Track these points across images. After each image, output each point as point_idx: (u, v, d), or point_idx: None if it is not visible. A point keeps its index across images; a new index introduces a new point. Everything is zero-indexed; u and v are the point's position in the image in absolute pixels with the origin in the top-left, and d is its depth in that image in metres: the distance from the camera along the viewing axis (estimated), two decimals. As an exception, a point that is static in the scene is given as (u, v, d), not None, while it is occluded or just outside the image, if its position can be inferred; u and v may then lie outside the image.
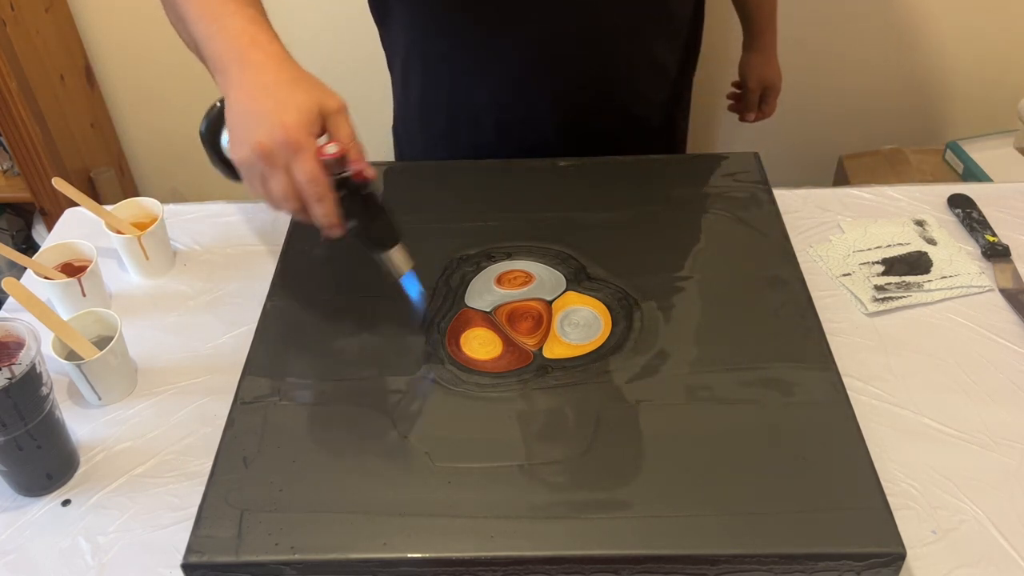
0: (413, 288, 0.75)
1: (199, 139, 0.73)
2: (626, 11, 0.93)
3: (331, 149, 0.65)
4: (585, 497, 0.63)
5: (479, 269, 0.83)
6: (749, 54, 1.22)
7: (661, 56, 1.00)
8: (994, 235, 0.91)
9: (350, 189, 0.67)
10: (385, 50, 1.04)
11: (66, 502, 0.70)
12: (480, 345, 0.75)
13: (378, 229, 0.71)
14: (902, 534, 0.59)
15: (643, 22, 0.95)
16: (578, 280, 0.81)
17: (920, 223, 0.94)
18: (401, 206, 0.91)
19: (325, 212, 0.65)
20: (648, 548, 0.59)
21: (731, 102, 1.29)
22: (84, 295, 0.85)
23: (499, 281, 0.81)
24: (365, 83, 1.59)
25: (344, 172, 0.66)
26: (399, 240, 0.72)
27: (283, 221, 0.92)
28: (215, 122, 0.72)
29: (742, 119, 1.28)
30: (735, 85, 1.28)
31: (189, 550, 0.60)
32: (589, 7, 0.91)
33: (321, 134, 0.66)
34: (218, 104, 0.72)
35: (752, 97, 1.24)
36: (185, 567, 0.60)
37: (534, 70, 0.95)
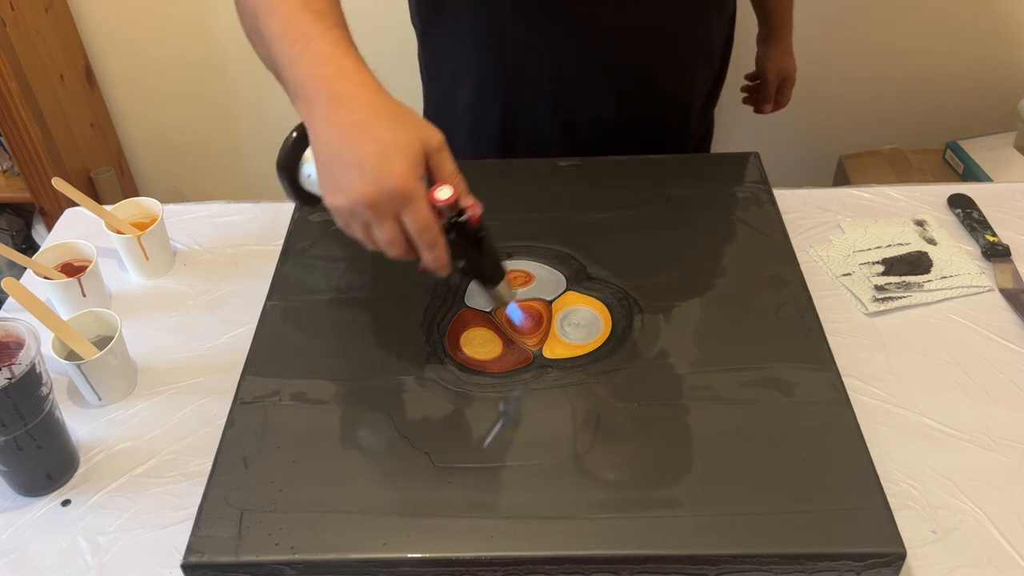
0: (516, 315, 0.76)
1: (277, 172, 0.68)
2: (691, 2, 0.94)
3: (444, 194, 0.61)
4: (585, 497, 0.63)
5: (479, 269, 0.83)
6: (768, 47, 1.22)
7: (714, 44, 1.01)
8: (994, 235, 0.91)
9: (461, 231, 0.64)
10: (427, 51, 1.02)
11: (66, 502, 0.70)
12: (480, 345, 0.75)
13: (488, 266, 0.69)
14: (902, 534, 0.59)
15: (705, 12, 0.96)
16: (578, 280, 0.81)
17: (920, 223, 0.94)
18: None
19: (436, 257, 0.63)
20: (648, 548, 0.59)
21: (745, 95, 1.30)
22: (84, 295, 0.85)
23: (499, 281, 0.81)
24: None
25: (460, 217, 0.64)
26: (505, 274, 0.71)
27: (283, 221, 0.92)
28: (293, 153, 0.67)
29: (758, 111, 1.28)
30: (749, 78, 1.28)
31: (189, 550, 0.60)
32: (659, 1, 0.91)
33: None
34: (294, 134, 0.67)
35: (770, 89, 1.24)
36: (185, 567, 0.60)
37: (600, 69, 0.94)
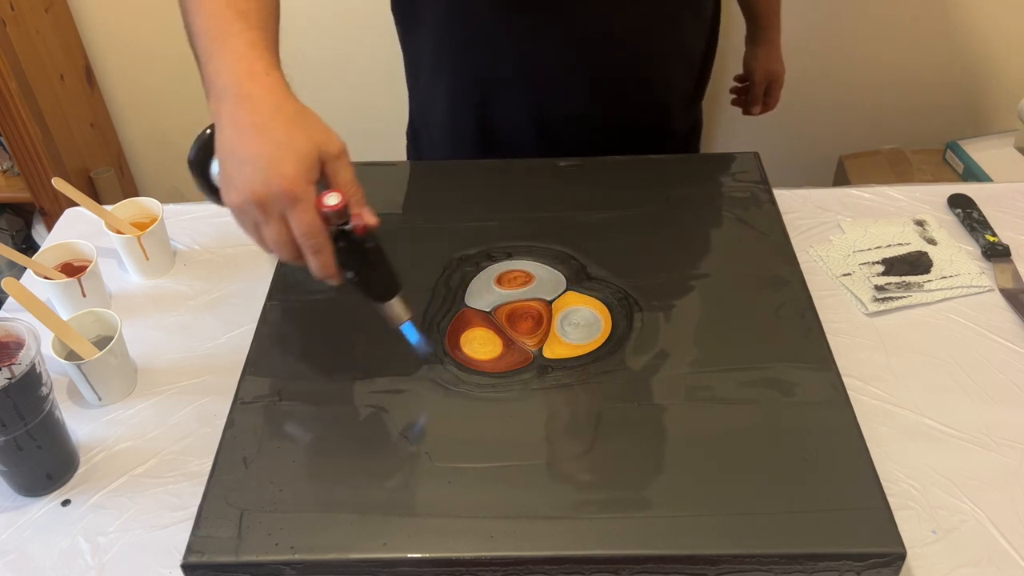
0: (412, 335, 0.72)
1: (188, 168, 0.68)
2: (664, 2, 0.94)
3: (331, 200, 0.61)
4: (585, 497, 0.63)
5: (479, 269, 0.83)
6: (755, 48, 1.22)
7: (691, 45, 1.01)
8: (994, 235, 0.91)
9: (350, 241, 0.63)
10: (407, 51, 1.03)
11: (66, 502, 0.70)
12: (480, 345, 0.75)
13: (378, 281, 0.68)
14: (902, 534, 0.59)
15: (679, 12, 0.96)
16: (578, 280, 0.81)
17: (920, 223, 0.94)
18: (401, 206, 0.91)
19: (322, 264, 0.62)
20: (648, 548, 0.59)
21: (734, 97, 1.29)
22: (84, 295, 0.85)
23: (499, 281, 0.81)
24: (368, 80, 1.59)
25: (345, 224, 0.62)
26: (399, 290, 0.69)
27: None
28: (205, 149, 0.67)
29: (746, 113, 1.28)
30: (738, 79, 1.28)
31: (189, 550, 0.60)
32: (630, 1, 0.91)
33: (320, 179, 0.62)
34: (208, 131, 0.67)
35: (758, 91, 1.24)
36: (185, 567, 0.60)
37: (575, 68, 0.95)
